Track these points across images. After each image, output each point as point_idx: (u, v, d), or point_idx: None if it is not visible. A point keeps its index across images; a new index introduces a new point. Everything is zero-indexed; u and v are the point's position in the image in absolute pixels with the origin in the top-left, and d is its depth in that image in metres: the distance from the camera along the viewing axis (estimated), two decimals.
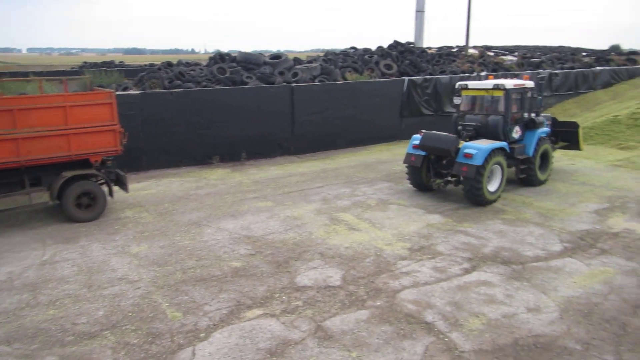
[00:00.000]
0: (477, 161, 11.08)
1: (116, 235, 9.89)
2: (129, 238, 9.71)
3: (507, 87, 12.20)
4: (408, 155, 12.52)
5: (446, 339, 6.10)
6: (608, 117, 20.31)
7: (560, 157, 15.73)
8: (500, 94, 12.31)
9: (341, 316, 6.69)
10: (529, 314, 6.68)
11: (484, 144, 11.47)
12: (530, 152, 12.76)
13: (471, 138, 12.26)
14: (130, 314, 6.84)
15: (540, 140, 13.00)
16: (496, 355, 5.78)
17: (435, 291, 7.36)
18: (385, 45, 26.07)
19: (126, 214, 11.23)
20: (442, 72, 23.66)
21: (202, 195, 12.73)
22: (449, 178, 12.25)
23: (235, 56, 21.59)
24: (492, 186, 11.76)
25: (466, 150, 11.30)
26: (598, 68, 29.93)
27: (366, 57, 23.87)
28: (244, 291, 7.44)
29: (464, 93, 12.98)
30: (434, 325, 6.43)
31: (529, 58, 31.42)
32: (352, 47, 27.22)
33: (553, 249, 8.93)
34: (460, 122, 12.91)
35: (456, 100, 13.00)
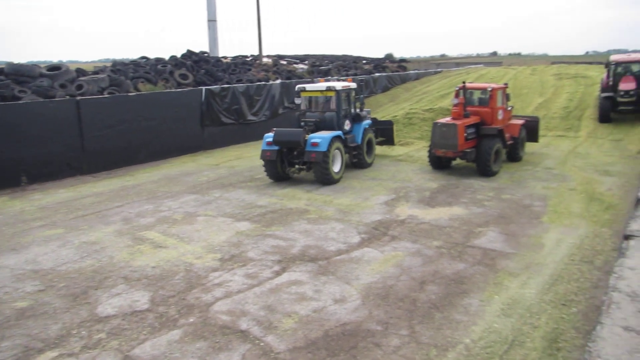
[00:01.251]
0: (323, 148, 13.49)
1: None
2: None
3: (337, 88, 14.84)
4: (263, 151, 14.19)
5: (262, 344, 6.14)
6: (388, 117, 22.81)
7: None
8: (332, 94, 14.92)
9: (151, 341, 6.27)
10: (336, 305, 7.10)
11: (326, 134, 13.86)
12: (359, 140, 15.61)
13: (312, 131, 14.40)
14: None
15: (365, 131, 15.90)
16: (309, 350, 6.01)
17: (249, 298, 7.38)
18: (178, 55, 25.49)
19: None
20: (239, 81, 24.06)
21: None
22: (301, 166, 14.32)
23: (2, 68, 18.90)
24: (336, 167, 14.18)
25: (313, 140, 13.56)
26: (376, 74, 33.55)
27: (159, 67, 23.05)
28: (33, 334, 6.49)
29: (302, 94, 15.38)
30: (249, 332, 6.43)
31: (318, 66, 33.78)
32: (143, 57, 26.04)
33: (353, 241, 9.67)
34: (302, 119, 15.08)
35: (297, 101, 15.44)
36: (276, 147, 14.01)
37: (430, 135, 14.96)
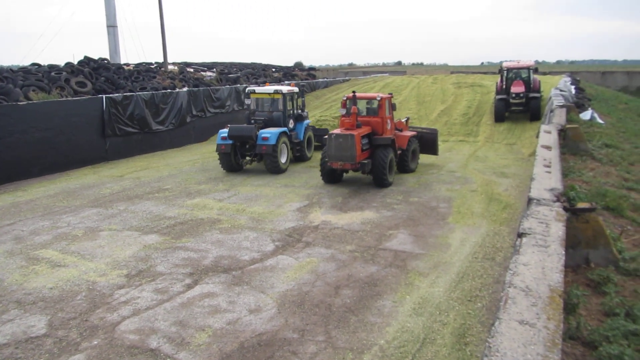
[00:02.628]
0: (272, 141, 15.68)
1: None
2: None
3: (284, 92, 17.08)
4: (219, 145, 16.17)
5: None
6: None
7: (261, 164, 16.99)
8: (279, 96, 17.14)
9: None
10: (251, 315, 6.94)
11: (274, 130, 16.08)
12: (301, 137, 17.83)
13: (261, 128, 16.34)
14: None
15: (306, 129, 18.21)
16: None
17: (159, 314, 7.02)
18: (75, 62, 24.03)
19: None
20: (143, 89, 23.10)
21: None
22: (253, 157, 16.56)
23: None
24: (283, 159, 16.38)
25: (263, 135, 15.77)
26: (287, 82, 33.65)
27: (53, 74, 21.51)
28: None
29: (252, 96, 17.45)
30: (160, 350, 6.10)
31: (227, 74, 33.32)
32: (35, 64, 24.23)
33: (267, 249, 9.55)
34: (252, 118, 17.09)
35: (247, 102, 17.44)
36: (230, 142, 16.02)
37: (325, 147, 14.11)
